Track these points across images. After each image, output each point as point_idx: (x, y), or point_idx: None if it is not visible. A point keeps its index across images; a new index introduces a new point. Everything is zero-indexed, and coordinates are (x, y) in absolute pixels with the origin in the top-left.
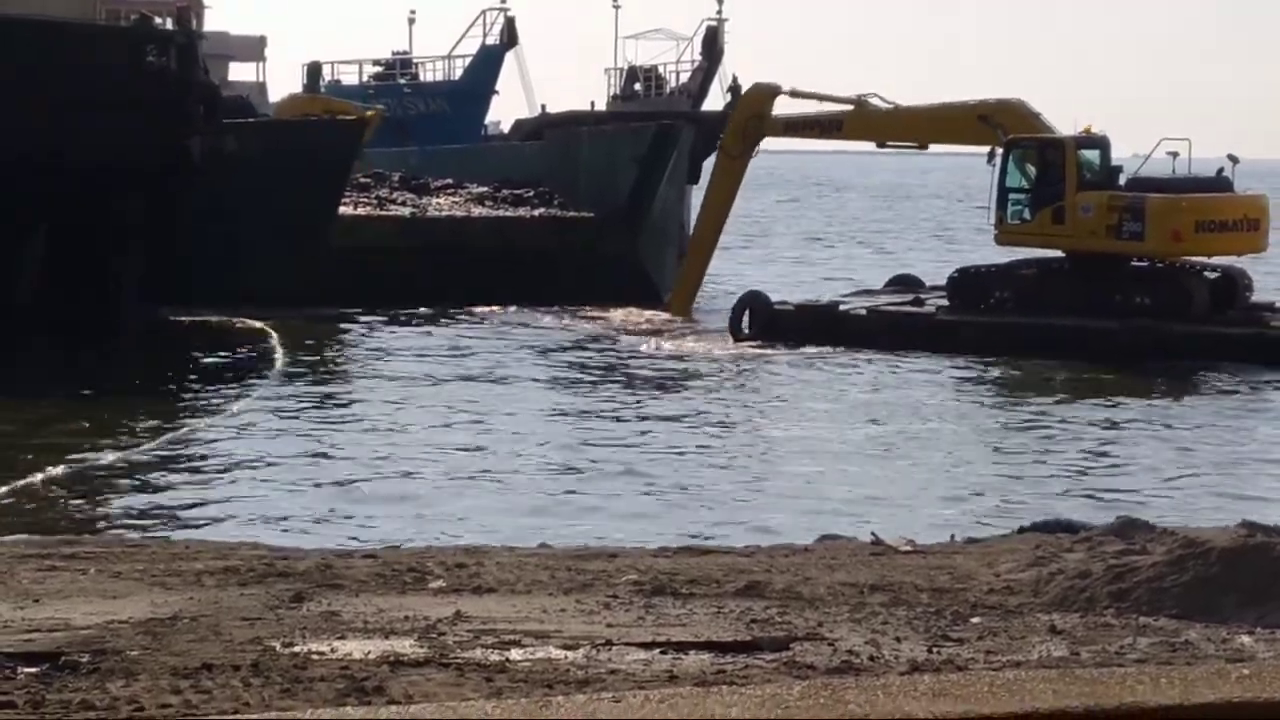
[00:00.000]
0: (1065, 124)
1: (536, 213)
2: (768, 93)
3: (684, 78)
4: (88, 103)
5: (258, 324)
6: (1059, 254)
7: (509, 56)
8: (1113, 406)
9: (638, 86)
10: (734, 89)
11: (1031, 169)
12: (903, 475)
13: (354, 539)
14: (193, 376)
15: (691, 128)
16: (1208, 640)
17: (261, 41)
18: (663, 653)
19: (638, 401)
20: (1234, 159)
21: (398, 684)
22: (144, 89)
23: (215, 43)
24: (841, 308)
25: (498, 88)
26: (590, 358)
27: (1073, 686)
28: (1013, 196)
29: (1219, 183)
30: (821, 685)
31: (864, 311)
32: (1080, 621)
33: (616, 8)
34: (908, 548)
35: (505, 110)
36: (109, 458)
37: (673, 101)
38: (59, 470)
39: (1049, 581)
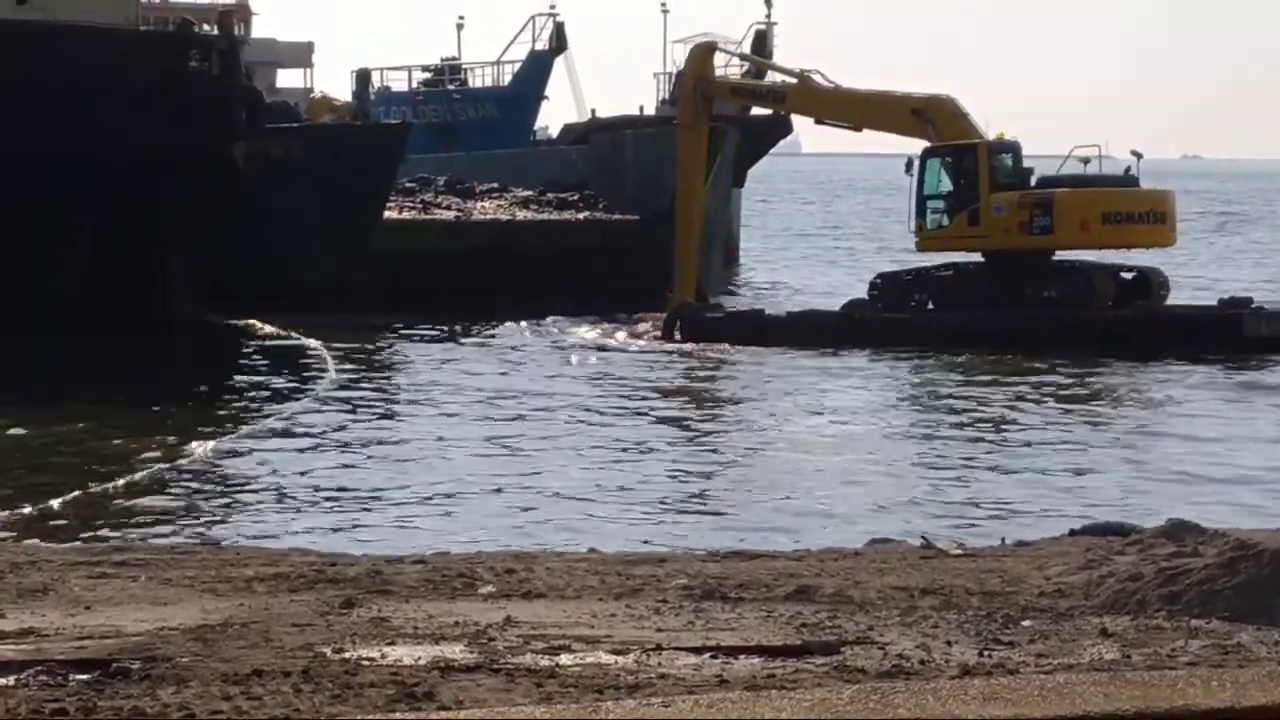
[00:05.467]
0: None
1: (581, 216)
2: (705, 49)
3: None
4: (131, 107)
5: (305, 338)
6: (976, 258)
7: (558, 62)
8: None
9: None
10: None
11: (948, 176)
12: (924, 476)
13: (404, 544)
14: (241, 382)
15: (736, 131)
16: (1260, 643)
17: (309, 48)
18: (713, 657)
19: (652, 408)
20: (1137, 154)
21: (448, 690)
22: (186, 94)
23: (263, 49)
24: (767, 313)
25: (547, 93)
26: (597, 366)
27: (1124, 690)
28: (931, 204)
29: (1126, 179)
30: (871, 689)
31: (784, 315)
32: (1131, 624)
33: (665, 12)
34: (958, 551)
35: (555, 115)
36: (158, 464)
37: (720, 105)
38: (109, 477)
39: (1100, 584)
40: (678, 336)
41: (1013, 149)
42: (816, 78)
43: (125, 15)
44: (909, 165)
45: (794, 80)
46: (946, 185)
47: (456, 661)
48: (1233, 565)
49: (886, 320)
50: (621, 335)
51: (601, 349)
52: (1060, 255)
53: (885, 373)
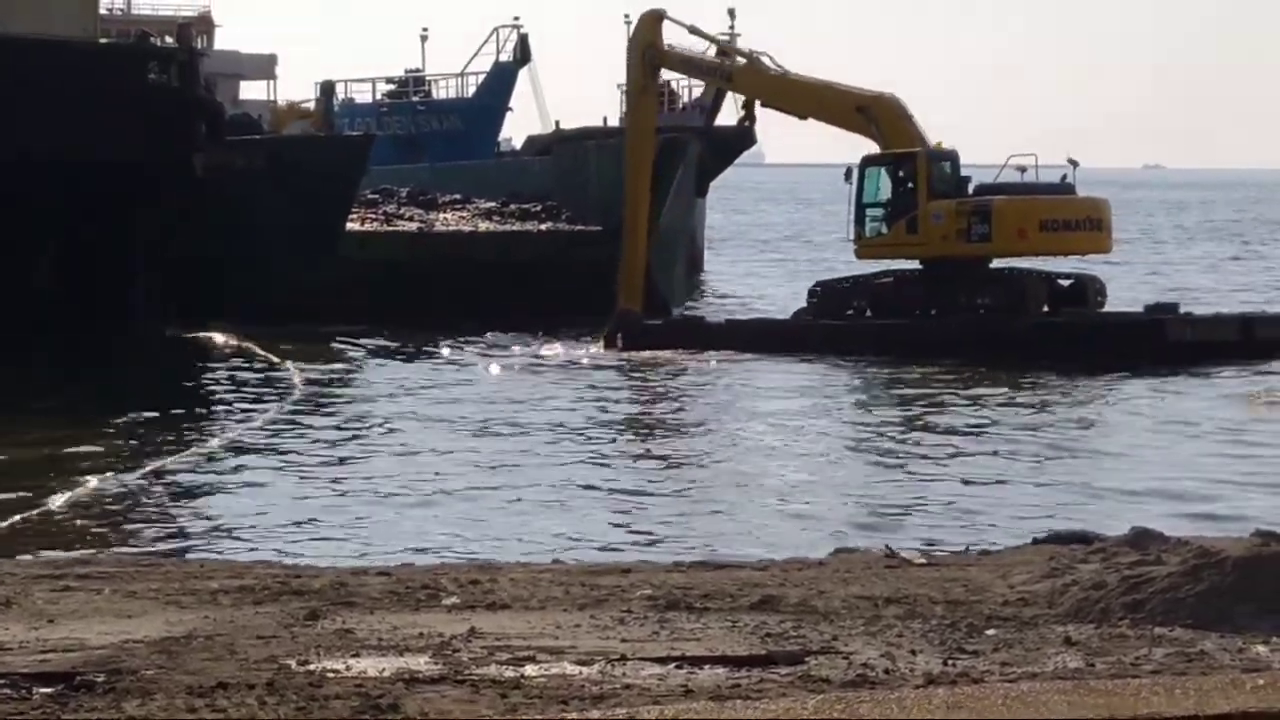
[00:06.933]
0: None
1: (543, 227)
2: (654, 17)
3: (697, 93)
4: (89, 120)
5: (268, 351)
6: (915, 265)
7: (522, 73)
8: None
9: None
10: (748, 104)
11: (887, 184)
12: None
13: (368, 556)
14: (204, 395)
15: (699, 141)
16: (1223, 650)
17: (272, 60)
18: (677, 667)
19: (616, 421)
20: (1074, 162)
21: (413, 701)
22: (145, 106)
23: (226, 61)
24: (707, 320)
25: (511, 104)
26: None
27: (1088, 698)
28: (870, 212)
29: (1062, 187)
30: (836, 699)
31: (724, 323)
32: (1095, 633)
33: (629, 24)
34: (922, 560)
35: (520, 127)
36: (124, 477)
37: (686, 116)
38: (73, 490)
39: (1064, 593)
40: (620, 345)
41: (951, 157)
42: (766, 60)
43: (85, 27)
44: (848, 174)
45: (743, 60)
46: (885, 193)
47: (421, 673)
48: (1196, 573)
49: (823, 328)
50: (571, 347)
51: (544, 360)
52: (997, 262)
53: (827, 381)
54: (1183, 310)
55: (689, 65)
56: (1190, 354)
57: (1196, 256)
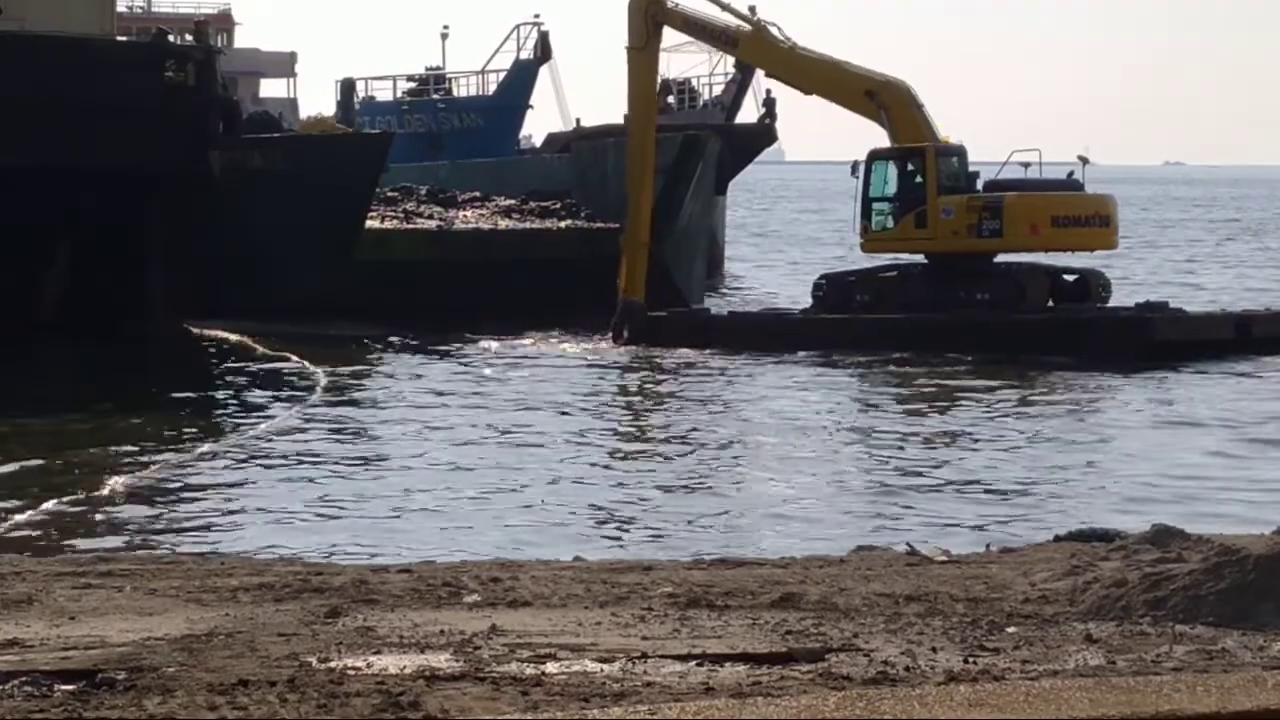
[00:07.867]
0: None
1: (563, 224)
2: None
3: (717, 90)
4: (106, 118)
5: (287, 350)
6: (919, 259)
7: (543, 71)
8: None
9: (671, 99)
10: (768, 102)
11: (894, 178)
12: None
13: (389, 554)
14: (224, 395)
15: (718, 139)
16: (1245, 648)
17: (292, 58)
18: (698, 665)
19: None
20: (1084, 159)
21: (434, 699)
22: (161, 104)
23: (246, 59)
24: (711, 312)
25: (532, 102)
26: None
27: (1109, 695)
28: (876, 206)
29: (1070, 184)
30: (857, 696)
31: (726, 314)
32: (1116, 630)
33: None
34: (943, 558)
35: (541, 124)
36: (142, 475)
37: (706, 114)
38: (91, 488)
39: (1085, 590)
40: (625, 337)
41: (958, 152)
42: (774, 30)
43: (102, 26)
44: (854, 168)
45: (749, 27)
46: (892, 188)
47: (442, 670)
48: (1217, 570)
49: (827, 321)
50: (581, 341)
51: (558, 357)
52: (1000, 258)
53: (836, 377)
54: (1173, 307)
55: (693, 26)
56: (1180, 352)
57: (1227, 254)
